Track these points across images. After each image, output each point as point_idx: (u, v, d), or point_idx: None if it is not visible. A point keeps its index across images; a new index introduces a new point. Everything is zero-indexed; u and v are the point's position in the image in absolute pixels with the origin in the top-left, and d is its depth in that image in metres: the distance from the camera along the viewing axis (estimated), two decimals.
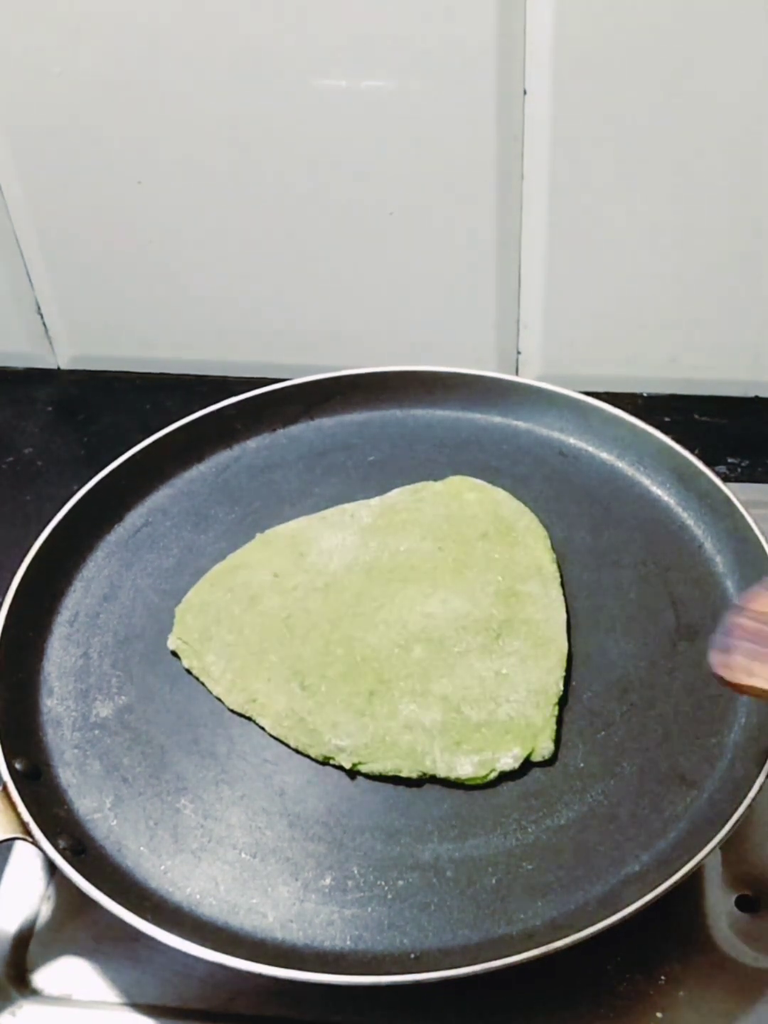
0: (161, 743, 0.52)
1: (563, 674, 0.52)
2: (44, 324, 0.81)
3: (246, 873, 0.47)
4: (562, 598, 0.55)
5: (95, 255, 0.76)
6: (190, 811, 0.49)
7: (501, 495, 0.60)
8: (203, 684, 0.54)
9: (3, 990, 0.48)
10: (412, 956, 0.44)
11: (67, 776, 0.51)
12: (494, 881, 0.46)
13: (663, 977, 0.48)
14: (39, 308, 0.80)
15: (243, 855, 0.48)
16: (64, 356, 0.83)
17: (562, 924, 0.44)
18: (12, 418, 0.80)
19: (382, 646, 0.52)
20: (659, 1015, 0.47)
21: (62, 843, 0.46)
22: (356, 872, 0.47)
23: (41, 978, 0.49)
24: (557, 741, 0.50)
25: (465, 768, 0.48)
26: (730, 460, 0.73)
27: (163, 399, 0.80)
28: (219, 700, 0.53)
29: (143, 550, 0.60)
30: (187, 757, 0.51)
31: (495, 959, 0.42)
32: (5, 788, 0.48)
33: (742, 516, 0.56)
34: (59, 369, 0.83)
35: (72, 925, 0.50)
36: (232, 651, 0.54)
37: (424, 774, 0.49)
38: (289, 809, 0.49)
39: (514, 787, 0.49)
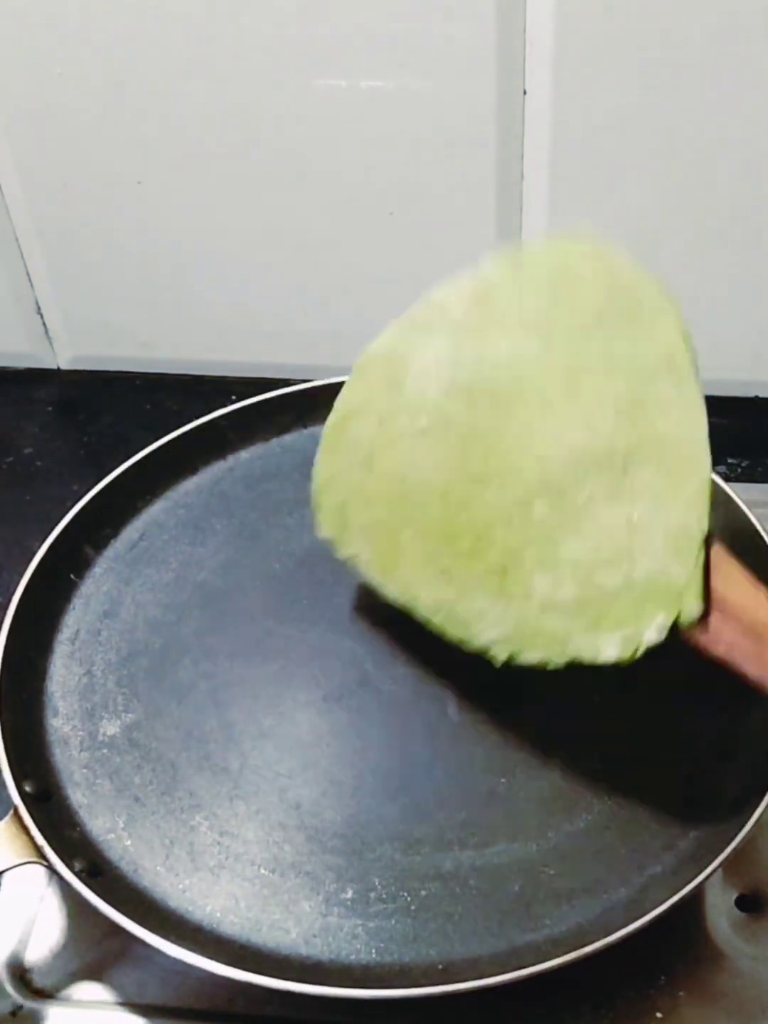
0: (171, 760, 0.51)
1: (707, 506, 0.43)
2: (44, 324, 0.81)
3: (266, 889, 0.47)
4: (700, 396, 0.45)
5: (95, 255, 0.76)
6: (205, 828, 0.49)
7: (618, 261, 0.49)
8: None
9: (3, 990, 0.48)
10: (439, 967, 0.44)
11: (77, 797, 0.50)
12: (517, 888, 0.46)
13: (663, 977, 0.47)
14: (39, 308, 0.80)
15: (262, 871, 0.47)
16: (64, 356, 0.83)
17: (589, 929, 0.44)
18: (12, 418, 0.80)
19: (501, 506, 0.46)
20: (659, 1015, 0.47)
21: (77, 865, 0.46)
22: (378, 884, 0.46)
23: (41, 978, 0.49)
24: (706, 596, 0.42)
25: (610, 651, 0.43)
26: (730, 460, 0.73)
27: (163, 399, 0.80)
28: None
29: (141, 565, 0.59)
30: (199, 773, 0.50)
31: (523, 967, 0.42)
32: (16, 811, 0.47)
33: (746, 516, 0.55)
34: (59, 369, 0.83)
35: (72, 925, 0.50)
36: (368, 533, 0.50)
37: (572, 662, 0.44)
38: (306, 822, 0.48)
39: (533, 793, 0.49)
